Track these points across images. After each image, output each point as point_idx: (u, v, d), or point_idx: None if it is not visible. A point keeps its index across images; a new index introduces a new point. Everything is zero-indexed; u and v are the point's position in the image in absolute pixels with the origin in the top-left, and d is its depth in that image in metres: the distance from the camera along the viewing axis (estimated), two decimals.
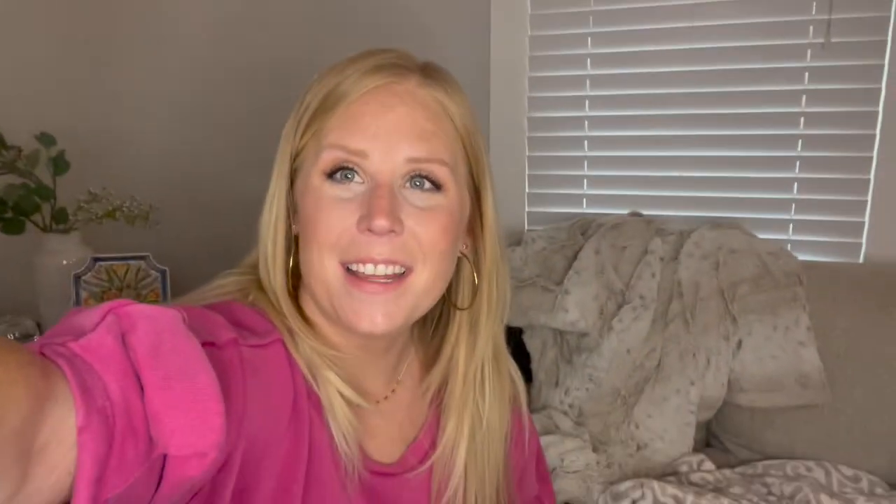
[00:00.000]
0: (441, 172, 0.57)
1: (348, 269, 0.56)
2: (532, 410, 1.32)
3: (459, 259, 0.64)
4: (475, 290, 0.64)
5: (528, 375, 1.35)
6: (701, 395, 1.26)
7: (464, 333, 0.65)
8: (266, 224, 0.61)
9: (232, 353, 0.50)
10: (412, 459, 0.66)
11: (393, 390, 0.67)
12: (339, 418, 0.58)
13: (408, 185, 0.57)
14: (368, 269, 0.55)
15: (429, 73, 0.60)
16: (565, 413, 1.30)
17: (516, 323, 1.35)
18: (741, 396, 1.27)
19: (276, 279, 0.60)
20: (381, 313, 0.56)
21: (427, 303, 0.59)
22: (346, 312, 0.56)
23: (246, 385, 0.50)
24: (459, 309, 0.65)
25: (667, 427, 1.25)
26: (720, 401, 1.28)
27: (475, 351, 0.65)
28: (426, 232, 0.56)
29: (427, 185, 0.57)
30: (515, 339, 1.37)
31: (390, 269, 0.56)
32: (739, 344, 1.26)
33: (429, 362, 0.69)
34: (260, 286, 0.61)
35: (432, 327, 0.70)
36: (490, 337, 0.66)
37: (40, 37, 1.83)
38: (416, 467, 0.65)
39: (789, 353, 1.24)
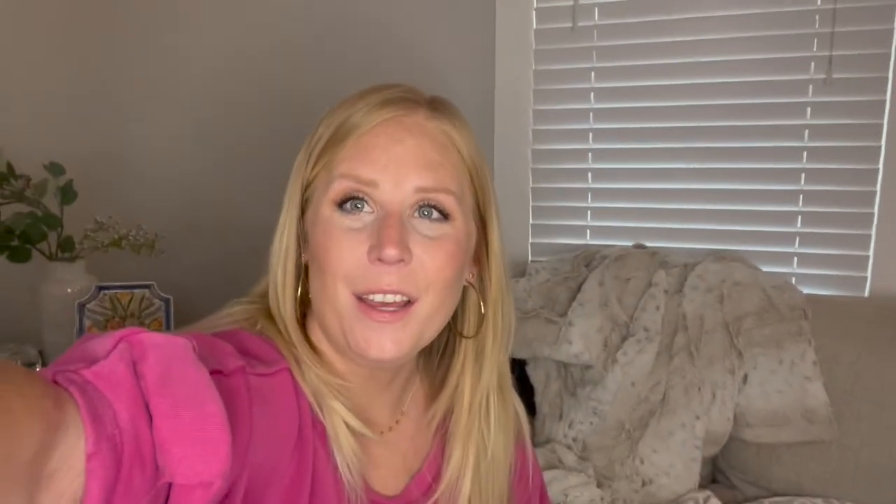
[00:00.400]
0: (448, 201, 0.58)
1: (359, 298, 0.57)
2: (535, 444, 1.31)
3: (465, 288, 0.64)
4: (481, 318, 0.65)
5: (531, 408, 1.34)
6: (707, 429, 1.24)
7: (469, 362, 0.65)
8: (276, 253, 0.62)
9: (239, 381, 0.50)
10: (415, 491, 0.65)
11: (397, 421, 0.67)
12: (344, 448, 0.57)
13: (416, 214, 0.58)
14: (378, 297, 0.56)
15: (436, 106, 0.61)
16: (569, 447, 1.28)
17: (520, 355, 1.34)
18: (747, 431, 1.25)
19: (286, 307, 0.61)
20: (390, 340, 0.56)
21: (432, 330, 0.60)
22: (358, 339, 0.57)
23: (252, 414, 0.50)
24: (465, 337, 0.66)
25: (672, 462, 1.23)
26: (726, 436, 1.26)
27: (480, 379, 0.65)
28: (433, 260, 0.57)
29: (435, 214, 0.58)
30: (519, 371, 1.36)
31: (398, 298, 0.57)
32: (745, 378, 1.25)
33: (434, 393, 0.69)
34: (268, 314, 0.62)
35: (438, 356, 0.70)
36: (495, 366, 0.66)
37: (50, 65, 1.87)
38: (418, 500, 0.65)
39: (795, 387, 1.23)
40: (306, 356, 0.59)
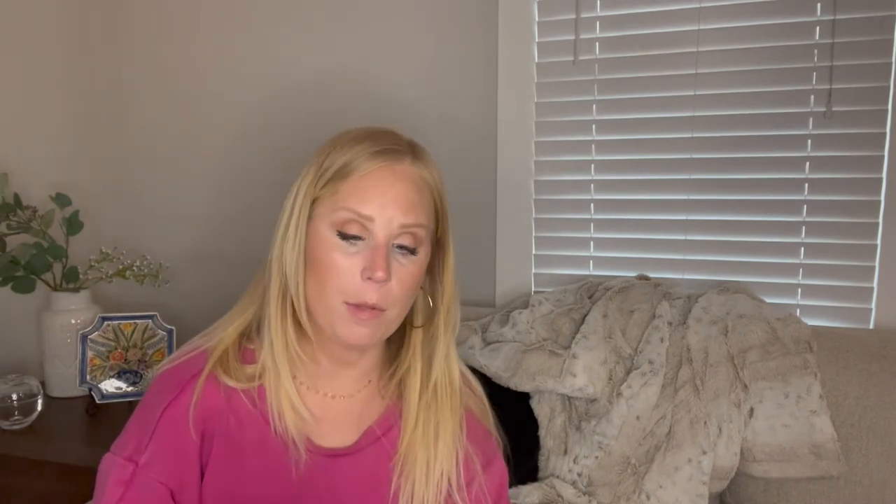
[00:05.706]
0: (420, 232, 0.79)
1: (347, 303, 0.76)
2: (538, 479, 1.29)
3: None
4: (429, 313, 0.85)
5: (535, 443, 1.33)
6: (713, 464, 1.23)
7: (419, 347, 0.85)
8: (290, 256, 0.79)
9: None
10: (363, 442, 0.84)
11: (361, 389, 0.86)
12: (287, 418, 0.80)
13: (395, 247, 0.77)
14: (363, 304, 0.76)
15: (416, 153, 0.80)
16: (574, 483, 1.27)
17: (523, 388, 1.33)
18: (754, 467, 1.24)
19: (300, 302, 0.79)
20: (366, 333, 0.77)
21: (394, 326, 0.81)
22: (344, 332, 0.77)
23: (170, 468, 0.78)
24: (415, 327, 0.86)
25: (679, 498, 1.21)
26: (733, 471, 1.25)
27: (433, 364, 0.84)
28: (401, 281, 0.77)
29: (407, 249, 0.78)
30: (522, 405, 1.35)
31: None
32: (751, 412, 1.24)
33: (389, 368, 0.88)
34: (281, 314, 0.80)
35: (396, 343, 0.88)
36: (444, 352, 0.84)
37: (58, 97, 1.89)
38: (365, 448, 0.84)
39: (802, 421, 1.22)
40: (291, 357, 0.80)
